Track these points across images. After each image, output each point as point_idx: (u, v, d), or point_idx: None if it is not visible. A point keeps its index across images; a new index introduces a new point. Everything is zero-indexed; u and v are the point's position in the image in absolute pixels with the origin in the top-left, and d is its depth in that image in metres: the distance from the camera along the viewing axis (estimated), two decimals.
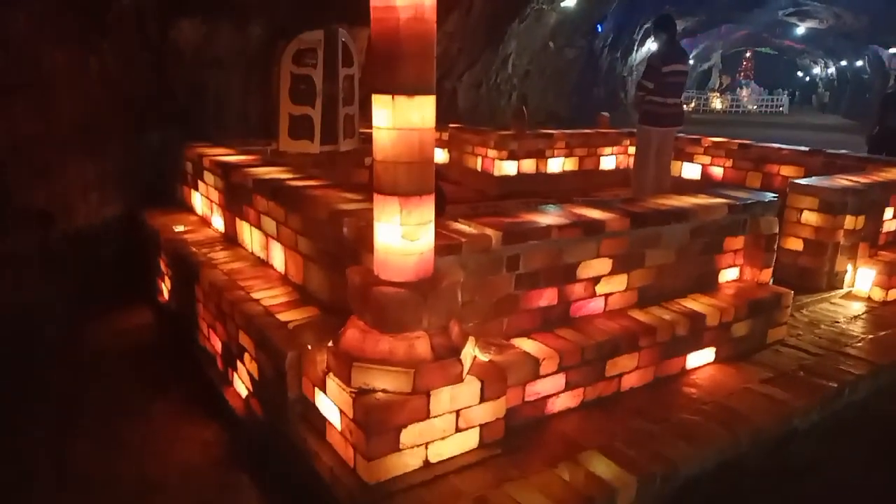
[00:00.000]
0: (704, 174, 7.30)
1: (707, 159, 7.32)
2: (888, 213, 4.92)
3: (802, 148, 6.77)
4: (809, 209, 4.49)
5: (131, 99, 4.98)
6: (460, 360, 2.36)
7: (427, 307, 2.33)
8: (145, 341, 4.18)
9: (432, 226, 2.38)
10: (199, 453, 2.97)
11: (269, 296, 3.23)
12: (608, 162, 8.09)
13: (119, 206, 5.10)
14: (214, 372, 3.47)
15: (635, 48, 22.02)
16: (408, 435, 2.28)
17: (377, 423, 2.21)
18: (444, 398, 2.33)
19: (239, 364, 3.14)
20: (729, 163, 7.11)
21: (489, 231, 2.74)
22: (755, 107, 35.06)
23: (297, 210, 3.29)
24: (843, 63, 31.96)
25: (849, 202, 4.42)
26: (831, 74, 36.02)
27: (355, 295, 2.44)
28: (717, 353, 3.34)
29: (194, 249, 3.99)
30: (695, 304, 3.34)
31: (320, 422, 2.52)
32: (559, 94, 16.07)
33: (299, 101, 5.43)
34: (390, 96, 2.20)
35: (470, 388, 2.39)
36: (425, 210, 2.33)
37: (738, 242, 3.65)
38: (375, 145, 2.30)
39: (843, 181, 4.66)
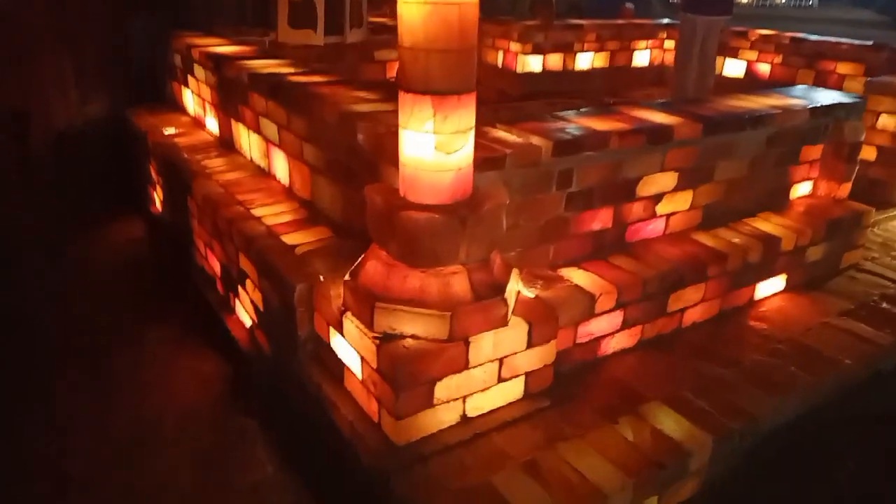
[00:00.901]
0: (749, 72, 6.60)
1: (753, 55, 6.59)
2: None
3: (865, 42, 6.03)
4: (889, 112, 3.91)
5: None
6: (504, 300, 1.93)
7: (466, 236, 1.88)
8: (138, 257, 3.78)
9: (472, 134, 1.89)
10: (198, 391, 2.64)
11: (271, 213, 2.78)
12: (642, 57, 7.35)
13: (103, 104, 4.56)
14: (214, 296, 3.08)
15: None
16: (443, 388, 1.89)
17: (407, 376, 1.82)
18: (485, 345, 1.93)
19: (241, 290, 2.74)
20: (778, 59, 6.39)
21: (537, 140, 2.24)
22: (783, 0, 32.88)
23: (301, 112, 2.78)
24: None
25: None
26: None
27: (377, 220, 1.98)
28: (787, 280, 2.91)
29: (186, 156, 3.50)
30: (767, 224, 2.88)
31: (337, 366, 2.14)
32: None
33: None
34: None
35: (516, 333, 1.98)
36: (465, 114, 1.83)
37: (815, 152, 3.13)
38: (401, 25, 1.76)
39: None
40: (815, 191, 3.23)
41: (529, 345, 2.02)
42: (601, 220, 2.47)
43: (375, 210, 1.98)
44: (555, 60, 6.74)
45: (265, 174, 3.23)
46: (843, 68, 5.83)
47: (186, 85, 4.18)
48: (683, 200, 2.69)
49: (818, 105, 2.99)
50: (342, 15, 5.06)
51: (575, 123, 2.46)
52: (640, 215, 2.58)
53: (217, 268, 3.00)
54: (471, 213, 1.88)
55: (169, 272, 3.56)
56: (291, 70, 3.27)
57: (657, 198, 2.60)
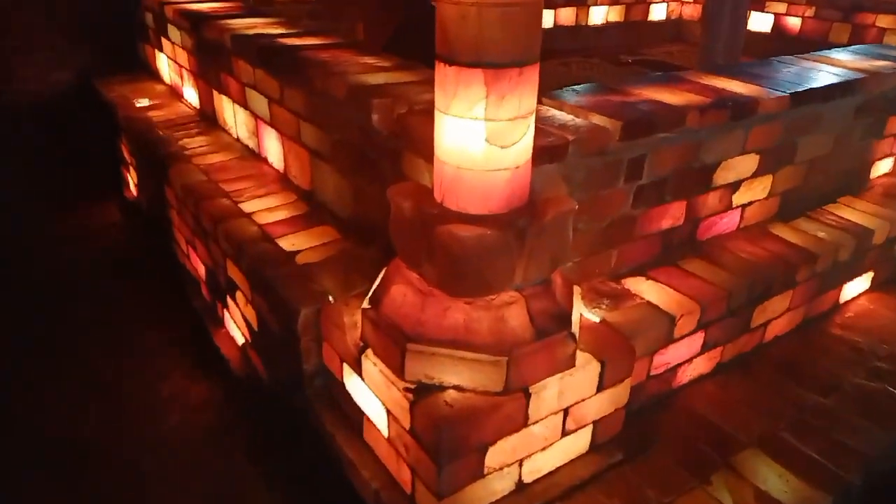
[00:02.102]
0: (776, 26, 6.06)
1: (782, 7, 6.02)
2: None
3: None
4: None
5: None
6: (572, 335, 1.49)
7: (524, 255, 1.43)
8: (113, 249, 3.30)
9: (533, 120, 1.42)
10: (183, 420, 2.20)
11: (264, 207, 2.30)
12: (659, 11, 6.78)
13: (70, 69, 4.01)
14: (199, 302, 2.63)
15: None
16: (496, 454, 1.47)
17: (452, 442, 1.39)
18: (549, 395, 1.49)
19: (230, 302, 2.29)
20: (810, 11, 5.83)
21: (601, 120, 1.76)
22: None
23: (297, 83, 2.28)
24: None
25: None
26: None
27: (405, 233, 1.52)
28: (874, 278, 2.49)
29: (162, 133, 2.99)
30: (851, 212, 2.44)
31: (355, 412, 1.70)
32: None
33: None
34: None
35: (585, 375, 1.55)
36: (528, 93, 1.36)
37: None
38: None
39: None
40: None
41: (601, 388, 1.59)
42: (672, 216, 2.02)
43: (403, 220, 1.51)
44: (567, 15, 6.17)
45: (255, 156, 2.74)
46: (883, 21, 5.31)
47: (160, 49, 3.63)
48: (762, 187, 2.24)
49: None
50: None
51: (638, 96, 1.98)
52: (714, 208, 2.13)
53: (201, 270, 2.54)
54: (531, 224, 1.42)
55: (147, 268, 3.09)
56: (283, 30, 2.75)
57: (735, 185, 2.14)
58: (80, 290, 2.94)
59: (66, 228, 3.45)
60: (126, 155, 3.40)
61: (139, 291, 2.88)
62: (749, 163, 2.13)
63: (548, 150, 1.60)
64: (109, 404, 2.27)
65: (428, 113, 1.54)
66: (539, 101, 1.90)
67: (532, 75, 1.35)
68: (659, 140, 1.84)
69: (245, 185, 2.48)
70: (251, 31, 2.70)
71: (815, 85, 2.20)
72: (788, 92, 2.09)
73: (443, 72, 1.35)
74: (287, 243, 2.05)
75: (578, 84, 2.13)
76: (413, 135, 1.72)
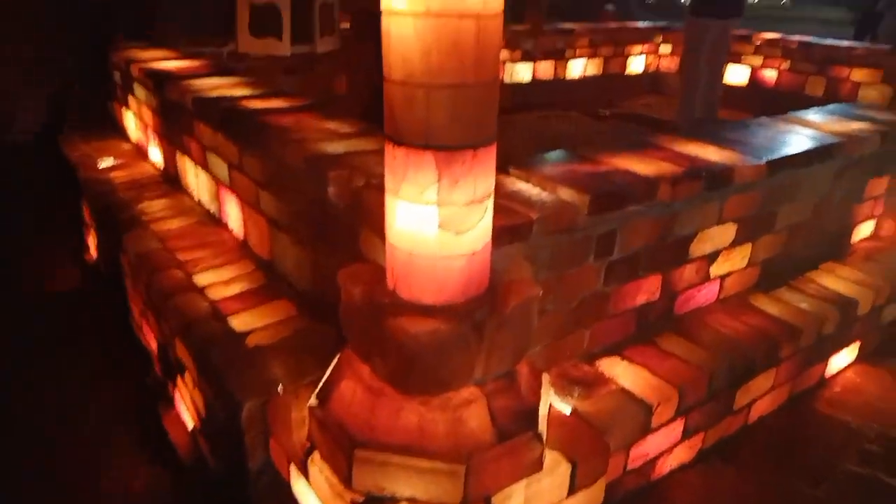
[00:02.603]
0: (753, 79, 6.12)
1: (758, 60, 6.10)
2: None
3: (881, 46, 5.59)
4: None
5: None
6: (538, 435, 1.36)
7: (484, 348, 1.31)
8: (68, 315, 3.14)
9: (491, 202, 1.31)
10: None
11: (219, 280, 2.17)
12: (637, 64, 6.85)
13: (33, 124, 3.91)
14: (153, 377, 2.47)
15: None
16: None
17: None
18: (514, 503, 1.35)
19: (179, 381, 2.13)
20: (785, 65, 5.91)
21: (568, 194, 1.67)
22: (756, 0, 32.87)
23: (255, 150, 2.18)
24: None
25: None
26: None
27: (355, 321, 1.40)
28: (860, 348, 2.38)
29: (121, 196, 2.87)
30: (834, 280, 2.35)
31: None
32: None
33: None
34: None
35: (554, 479, 1.41)
36: (483, 175, 1.26)
37: (880, 185, 2.62)
38: (389, 50, 1.18)
39: None
40: (878, 231, 2.72)
41: (572, 491, 1.45)
42: (647, 291, 1.91)
43: (354, 308, 1.39)
44: (545, 68, 6.21)
45: (215, 222, 2.63)
46: (857, 75, 5.37)
47: (127, 106, 3.55)
48: (741, 257, 2.15)
49: (887, 128, 2.48)
50: (311, 21, 4.45)
51: (609, 165, 1.90)
52: (691, 280, 2.03)
53: (153, 345, 2.39)
54: (491, 315, 1.30)
55: (102, 337, 2.93)
56: (247, 92, 2.66)
57: (712, 256, 2.05)
58: (23, 360, 2.77)
59: (21, 291, 3.29)
60: (87, 217, 3.28)
61: (90, 363, 2.71)
62: (727, 233, 2.04)
63: (509, 230, 1.50)
64: (44, 485, 2.08)
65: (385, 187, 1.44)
66: (506, 172, 1.82)
67: (488, 156, 1.25)
68: (630, 213, 1.75)
69: (202, 254, 2.35)
70: (214, 93, 2.61)
71: (791, 151, 2.13)
72: (765, 159, 2.02)
73: (391, 153, 1.25)
74: (239, 322, 1.92)
75: (558, 138, 2.05)
76: (369, 211, 1.61)
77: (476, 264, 1.31)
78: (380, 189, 1.61)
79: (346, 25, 4.84)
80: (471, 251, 1.29)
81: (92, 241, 3.28)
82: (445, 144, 1.19)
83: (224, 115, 2.37)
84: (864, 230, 2.67)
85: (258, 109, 2.38)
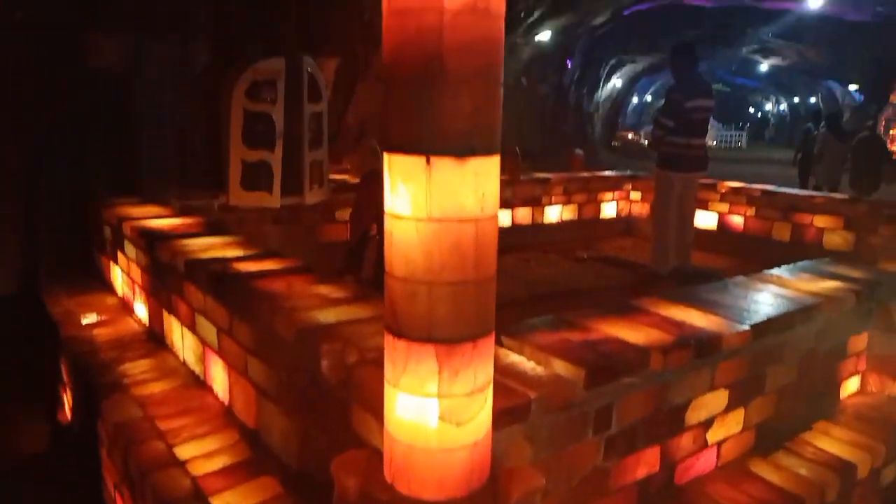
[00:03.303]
0: (721, 223, 6.43)
1: (724, 207, 6.44)
2: None
3: (839, 196, 5.96)
4: None
5: (30, 130, 3.83)
6: None
7: None
8: (35, 484, 2.95)
9: (491, 389, 1.31)
10: None
11: (202, 452, 2.09)
12: (609, 209, 7.18)
13: (14, 277, 3.90)
14: None
15: (601, 85, 21.87)
16: None
17: None
18: None
19: None
20: (751, 211, 6.23)
21: (564, 368, 1.68)
22: (715, 142, 35.26)
23: (246, 316, 2.19)
24: (796, 100, 32.44)
25: None
26: (783, 110, 36.62)
27: None
28: None
29: (103, 356, 2.82)
30: (830, 442, 2.33)
31: None
32: (532, 130, 15.49)
33: (255, 144, 4.33)
34: (422, 158, 1.15)
35: None
36: (483, 365, 1.27)
37: (861, 342, 2.67)
38: (392, 249, 1.23)
39: None
40: (865, 386, 2.74)
41: None
42: (647, 463, 1.87)
43: (346, 501, 1.33)
44: (524, 214, 6.48)
45: (200, 384, 2.57)
46: (820, 221, 5.67)
47: (115, 261, 3.58)
48: (735, 422, 2.13)
49: (861, 286, 2.57)
50: (301, 174, 4.65)
51: (598, 332, 1.93)
52: (689, 449, 1.99)
53: None
54: None
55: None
56: (239, 253, 2.71)
57: (708, 423, 2.04)
58: None
59: None
60: (64, 374, 3.19)
61: None
62: (719, 399, 2.04)
63: (508, 412, 1.48)
64: None
65: (380, 363, 1.43)
66: (499, 342, 1.83)
67: (487, 347, 1.27)
68: (626, 386, 1.75)
69: (184, 422, 2.27)
70: (206, 255, 2.66)
71: (773, 314, 2.19)
72: (749, 324, 2.07)
73: (392, 344, 1.26)
74: (221, 503, 1.82)
75: (539, 282, 2.09)
76: (363, 388, 1.59)
77: (478, 455, 1.29)
78: (374, 364, 1.61)
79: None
80: (472, 441, 1.27)
81: (67, 401, 3.17)
82: (447, 338, 1.21)
83: (215, 279, 2.39)
84: (850, 386, 2.69)
85: (250, 273, 2.41)
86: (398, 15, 1.10)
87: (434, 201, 1.16)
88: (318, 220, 5.04)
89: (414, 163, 1.15)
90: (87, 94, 4.07)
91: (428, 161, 1.14)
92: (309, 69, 4.49)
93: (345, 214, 5.19)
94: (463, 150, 1.15)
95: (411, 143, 1.14)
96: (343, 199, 5.16)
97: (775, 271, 2.77)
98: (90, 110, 4.11)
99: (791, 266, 2.89)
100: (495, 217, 1.24)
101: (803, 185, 9.31)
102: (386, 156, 1.19)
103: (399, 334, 1.24)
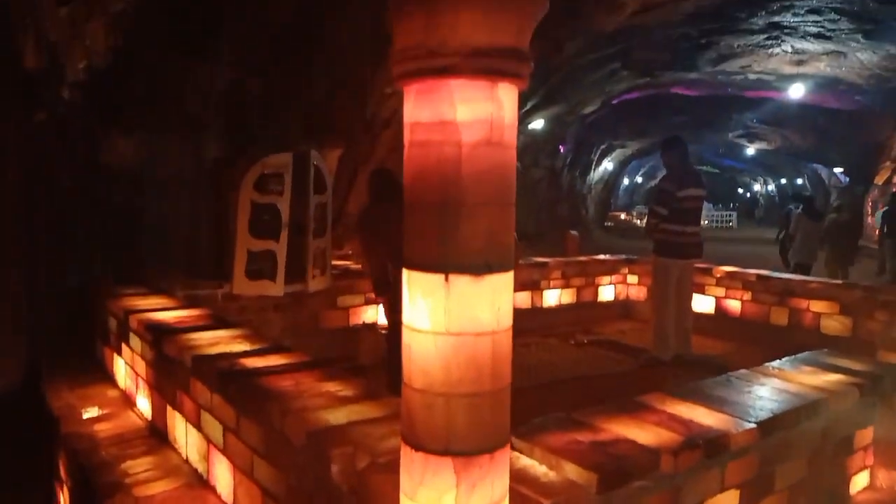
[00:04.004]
0: (719, 308, 6.49)
1: (721, 291, 6.53)
2: None
3: (834, 281, 6.07)
4: None
5: (41, 223, 3.92)
6: None
7: None
8: None
9: (507, 502, 1.32)
10: None
11: None
12: (607, 292, 7.26)
13: (15, 368, 3.88)
14: None
15: (593, 168, 22.55)
16: None
17: None
18: None
19: None
20: (747, 295, 6.31)
21: (575, 473, 1.68)
22: (707, 222, 35.87)
23: (254, 415, 2.19)
24: (783, 181, 33.34)
25: None
26: (771, 191, 37.56)
27: None
28: None
29: (104, 454, 2.78)
30: None
31: None
32: (528, 212, 15.85)
33: (261, 234, 4.44)
34: (441, 276, 1.21)
35: None
36: (500, 477, 1.28)
37: (867, 436, 2.67)
38: (410, 361, 1.27)
39: None
40: (874, 481, 2.72)
41: None
42: None
43: None
44: (523, 298, 6.54)
45: (203, 484, 2.53)
46: (816, 306, 5.73)
47: (119, 353, 3.58)
48: None
49: (863, 378, 2.60)
50: (305, 263, 4.73)
51: (608, 433, 1.94)
52: None
53: None
54: None
55: None
56: (246, 347, 2.74)
57: None
58: None
59: None
60: (62, 472, 3.13)
61: None
62: (730, 500, 2.03)
63: None
64: None
65: (392, 468, 1.44)
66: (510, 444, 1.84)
67: (503, 458, 1.29)
68: (637, 489, 1.75)
69: None
70: (213, 350, 2.68)
71: (779, 410, 2.21)
72: (755, 421, 2.08)
73: (409, 456, 1.28)
74: None
75: (542, 368, 2.10)
76: (376, 497, 1.59)
77: None
78: (387, 470, 1.62)
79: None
80: None
81: (64, 499, 3.10)
82: (464, 450, 1.23)
83: (222, 376, 2.41)
84: (859, 481, 2.67)
85: (257, 369, 2.43)
86: (419, 146, 1.19)
87: (452, 316, 1.21)
88: (320, 307, 5.08)
89: (433, 280, 1.21)
90: (98, 187, 4.20)
91: (446, 278, 1.20)
92: (315, 162, 4.66)
93: (346, 300, 5.26)
94: (479, 268, 1.21)
95: (431, 262, 1.21)
96: (345, 286, 5.23)
97: (776, 364, 2.81)
98: (99, 203, 4.23)
99: (792, 358, 2.92)
100: (510, 329, 1.29)
101: (785, 264, 9.59)
102: (406, 272, 1.25)
103: (417, 446, 1.26)
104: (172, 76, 4.26)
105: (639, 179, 37.36)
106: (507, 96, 1.19)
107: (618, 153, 24.17)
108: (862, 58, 10.59)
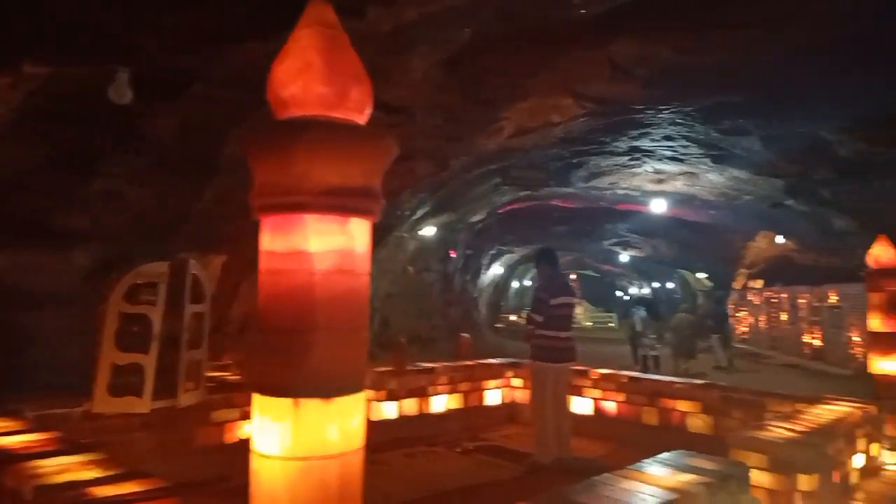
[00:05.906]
0: (597, 409, 6.74)
1: (598, 392, 6.81)
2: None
3: (696, 381, 6.51)
4: (759, 468, 3.86)
5: None
6: None
7: None
8: None
9: None
10: None
11: None
12: (493, 396, 7.35)
13: None
14: None
15: (483, 272, 23.37)
16: None
17: None
18: None
19: None
20: (621, 396, 6.61)
21: None
22: (590, 323, 37.56)
23: None
24: (656, 284, 35.98)
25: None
26: (646, 294, 40.36)
27: None
28: None
29: None
30: None
31: None
32: (420, 315, 15.99)
33: (128, 347, 4.21)
34: (290, 401, 1.24)
35: None
36: None
37: None
38: (259, 489, 1.27)
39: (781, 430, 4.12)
40: None
41: None
42: None
43: None
44: (410, 405, 6.49)
45: None
46: (682, 405, 6.10)
47: None
48: None
49: (712, 478, 2.79)
50: (176, 376, 4.49)
51: None
52: None
53: None
54: None
55: None
56: (98, 474, 2.54)
57: None
58: None
59: None
60: None
61: None
62: None
63: None
64: None
65: None
66: None
67: None
68: None
69: None
70: (60, 478, 2.46)
71: None
72: None
73: None
74: None
75: (426, 480, 2.08)
76: None
77: None
78: None
79: None
80: None
81: None
82: None
83: None
84: None
85: (107, 498, 2.26)
86: (273, 274, 1.26)
87: (300, 440, 1.23)
88: (193, 423, 4.78)
89: (283, 405, 1.24)
90: None
91: (296, 402, 1.23)
92: (194, 271, 4.55)
93: (221, 415, 4.98)
94: (330, 391, 1.26)
95: (282, 387, 1.24)
96: (221, 399, 4.97)
97: (637, 466, 2.95)
98: None
99: (653, 459, 3.09)
100: (360, 449, 1.32)
101: (635, 357, 11.44)
102: (256, 397, 1.27)
103: None
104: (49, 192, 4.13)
105: (527, 282, 38.92)
106: (358, 229, 1.29)
107: (506, 258, 25.24)
108: (711, 178, 11.98)
